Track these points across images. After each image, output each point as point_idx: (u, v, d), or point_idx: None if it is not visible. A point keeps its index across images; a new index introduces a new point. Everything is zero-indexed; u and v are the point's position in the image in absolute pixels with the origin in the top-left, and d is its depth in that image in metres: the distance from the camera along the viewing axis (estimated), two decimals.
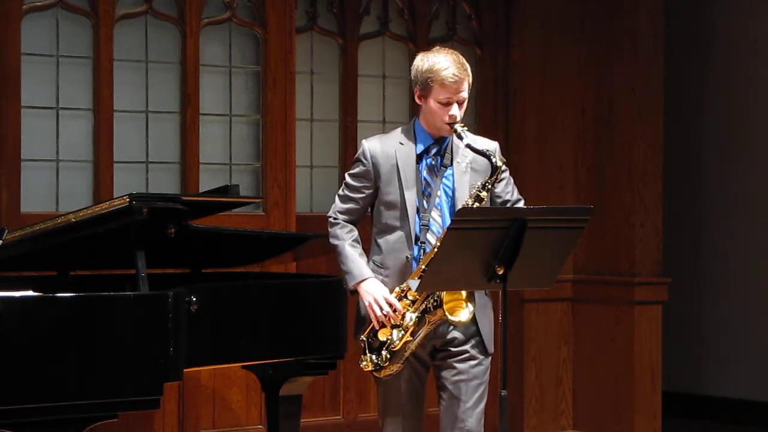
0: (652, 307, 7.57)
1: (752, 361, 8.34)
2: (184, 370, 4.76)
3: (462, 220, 4.22)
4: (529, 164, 7.63)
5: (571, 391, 7.77)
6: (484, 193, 4.49)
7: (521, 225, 4.21)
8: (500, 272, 4.26)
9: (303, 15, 7.20)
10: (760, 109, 8.35)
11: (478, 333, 4.59)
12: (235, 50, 6.98)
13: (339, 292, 5.41)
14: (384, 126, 7.40)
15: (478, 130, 7.50)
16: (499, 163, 4.49)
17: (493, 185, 4.51)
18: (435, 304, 4.46)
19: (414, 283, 4.46)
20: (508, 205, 4.63)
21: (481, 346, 4.60)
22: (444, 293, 4.44)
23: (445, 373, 4.60)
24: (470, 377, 4.59)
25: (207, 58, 6.87)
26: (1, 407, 4.38)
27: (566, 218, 4.38)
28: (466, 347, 4.59)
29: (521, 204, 4.68)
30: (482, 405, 4.61)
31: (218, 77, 6.94)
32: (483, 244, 4.22)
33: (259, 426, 6.81)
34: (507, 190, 4.66)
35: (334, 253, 4.68)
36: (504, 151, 7.49)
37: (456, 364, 4.59)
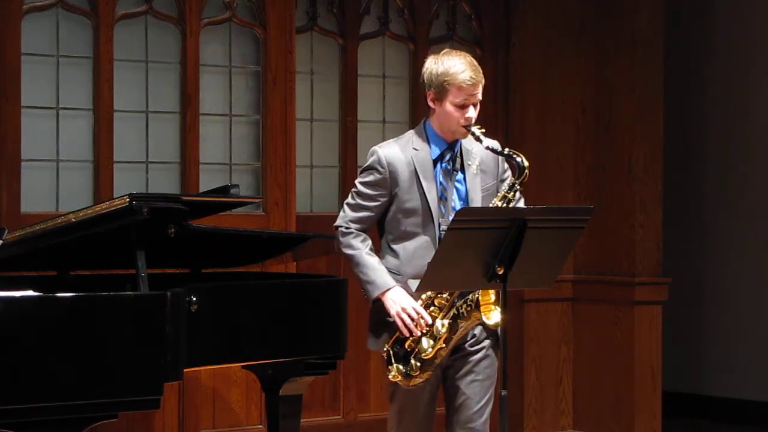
0: (652, 307, 7.57)
1: (752, 361, 8.34)
2: (184, 370, 4.76)
3: (462, 220, 4.22)
4: (529, 164, 7.60)
5: (571, 391, 7.77)
6: (511, 194, 4.50)
7: (521, 225, 4.21)
8: (500, 272, 4.26)
9: (303, 15, 7.19)
10: (760, 108, 8.35)
11: (487, 332, 4.58)
12: (235, 50, 6.98)
13: (339, 292, 5.42)
14: (384, 126, 7.39)
15: None
16: (526, 163, 4.49)
17: (521, 185, 4.51)
18: (469, 308, 4.44)
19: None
20: (511, 204, 4.62)
21: (495, 343, 4.58)
22: (479, 296, 4.42)
23: (459, 372, 4.57)
24: (485, 377, 4.58)
25: (207, 58, 6.86)
26: (1, 407, 4.38)
27: (566, 218, 4.38)
28: (483, 345, 4.57)
29: (521, 203, 4.67)
30: (491, 405, 4.61)
31: (218, 77, 6.94)
32: (483, 244, 4.22)
33: (259, 426, 6.81)
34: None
35: (349, 263, 4.63)
36: None
37: (471, 365, 4.57)
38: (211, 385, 6.72)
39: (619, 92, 7.61)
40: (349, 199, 4.64)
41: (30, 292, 4.77)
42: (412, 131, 4.69)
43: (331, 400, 7.18)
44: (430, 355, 4.47)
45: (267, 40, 6.95)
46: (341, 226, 4.61)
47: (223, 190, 5.41)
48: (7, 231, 5.04)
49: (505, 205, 4.48)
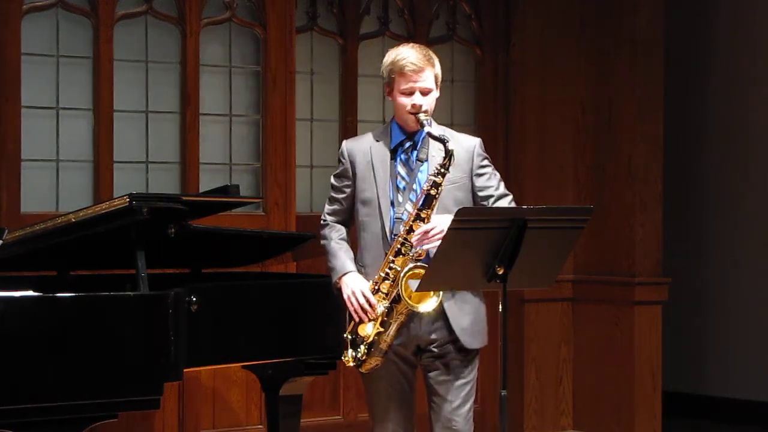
0: (652, 307, 7.57)
1: (752, 361, 8.34)
2: (184, 370, 4.76)
3: (462, 220, 4.23)
4: (529, 164, 7.63)
5: (571, 391, 7.77)
6: (439, 178, 4.47)
7: (521, 225, 4.21)
8: (500, 272, 4.26)
9: (303, 15, 7.20)
10: (760, 108, 8.35)
11: (453, 333, 4.58)
12: (235, 50, 6.98)
13: (339, 292, 5.41)
14: None
15: (477, 130, 7.52)
16: (450, 147, 4.47)
17: (446, 169, 4.49)
18: (398, 295, 4.48)
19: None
20: (492, 199, 4.62)
21: (462, 345, 4.59)
22: (404, 283, 4.44)
23: (432, 374, 4.63)
24: (455, 377, 4.60)
25: (207, 58, 6.86)
26: (1, 407, 4.39)
27: (566, 218, 4.38)
28: (449, 347, 4.60)
29: (508, 199, 4.67)
30: (469, 404, 4.62)
31: (218, 77, 6.94)
32: (483, 244, 4.22)
33: (259, 426, 6.81)
34: (489, 184, 4.65)
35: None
36: (504, 150, 7.58)
37: (441, 365, 4.61)
38: (211, 385, 6.72)
39: (619, 92, 7.61)
40: (329, 193, 4.77)
41: (30, 292, 4.77)
42: (381, 126, 4.76)
43: (331, 400, 7.18)
44: (370, 339, 4.51)
45: (267, 40, 6.95)
46: (321, 219, 4.78)
47: (223, 190, 5.41)
48: (7, 231, 5.05)
49: (435, 189, 4.46)
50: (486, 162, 4.68)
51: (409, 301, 4.46)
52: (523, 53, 7.68)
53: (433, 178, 4.49)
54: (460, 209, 4.40)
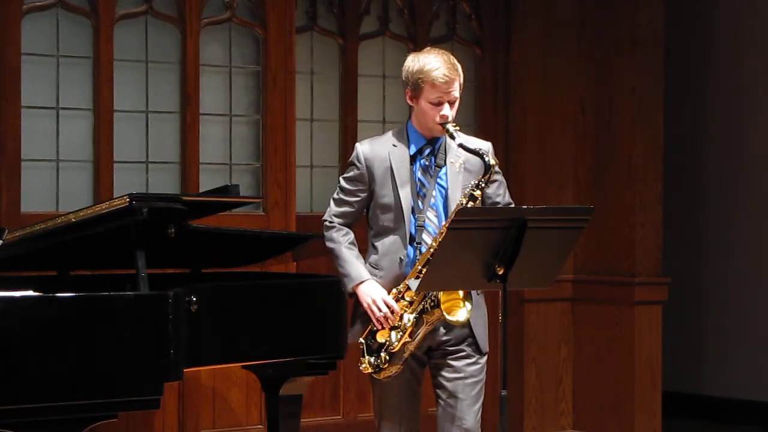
0: (652, 307, 7.57)
1: (752, 361, 8.34)
2: (184, 370, 4.76)
3: (462, 220, 4.23)
4: (529, 164, 7.63)
5: (571, 391, 7.77)
6: (477, 192, 4.49)
7: (521, 225, 4.21)
8: (500, 272, 4.26)
9: (303, 15, 7.20)
10: (760, 108, 8.35)
11: (471, 334, 4.60)
12: (235, 50, 6.98)
13: (339, 292, 5.40)
14: (384, 126, 7.40)
15: (477, 130, 7.52)
16: (492, 162, 4.50)
17: (486, 184, 4.51)
18: (432, 304, 4.47)
19: (414, 283, 4.47)
20: (476, 201, 4.63)
21: (476, 346, 4.61)
22: (441, 293, 4.45)
23: (443, 372, 4.62)
24: (467, 375, 4.61)
25: (207, 58, 6.86)
26: (1, 407, 4.39)
27: (566, 218, 4.39)
28: (462, 346, 4.60)
29: (506, 197, 4.70)
30: (479, 403, 4.63)
31: (218, 77, 6.94)
32: (483, 244, 4.22)
33: (259, 426, 6.81)
34: (499, 192, 4.66)
35: (330, 257, 4.71)
36: (504, 150, 7.58)
37: (453, 363, 4.61)
38: (211, 385, 6.72)
39: (619, 92, 7.61)
40: (335, 194, 4.75)
41: (30, 292, 4.77)
42: (394, 129, 4.73)
43: (331, 400, 7.18)
44: (397, 349, 4.52)
45: (267, 40, 6.95)
46: (326, 220, 4.74)
47: (223, 190, 5.41)
48: (7, 231, 5.05)
49: (471, 203, 4.47)
50: (497, 168, 4.68)
51: (445, 313, 4.45)
52: (523, 53, 7.68)
53: (470, 191, 4.48)
54: (459, 209, 4.41)
